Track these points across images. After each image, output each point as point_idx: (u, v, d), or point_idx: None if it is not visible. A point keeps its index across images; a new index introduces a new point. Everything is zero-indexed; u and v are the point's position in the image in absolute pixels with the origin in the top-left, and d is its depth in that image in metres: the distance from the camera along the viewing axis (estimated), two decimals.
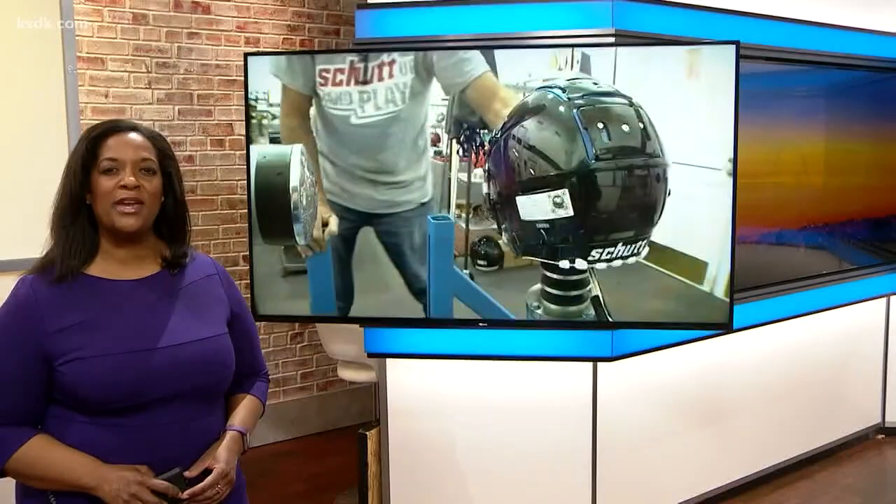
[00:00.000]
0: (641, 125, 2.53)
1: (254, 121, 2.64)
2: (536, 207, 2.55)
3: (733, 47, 2.49)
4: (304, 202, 2.61)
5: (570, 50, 2.57)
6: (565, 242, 2.57)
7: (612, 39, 2.67)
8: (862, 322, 4.01)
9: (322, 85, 2.62)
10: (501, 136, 2.56)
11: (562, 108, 2.51)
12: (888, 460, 3.95)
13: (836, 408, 3.95)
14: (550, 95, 2.54)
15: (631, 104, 2.52)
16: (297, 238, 2.65)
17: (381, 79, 2.60)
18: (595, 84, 2.55)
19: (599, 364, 2.88)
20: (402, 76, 2.59)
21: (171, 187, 1.58)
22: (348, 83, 2.61)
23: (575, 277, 2.62)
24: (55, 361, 1.45)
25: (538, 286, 2.65)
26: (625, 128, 2.51)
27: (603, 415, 2.94)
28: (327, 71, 2.62)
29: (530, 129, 2.52)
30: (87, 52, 3.53)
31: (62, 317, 1.47)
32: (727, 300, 2.59)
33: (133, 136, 1.53)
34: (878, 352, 4.12)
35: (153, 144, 1.55)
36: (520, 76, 2.56)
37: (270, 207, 2.62)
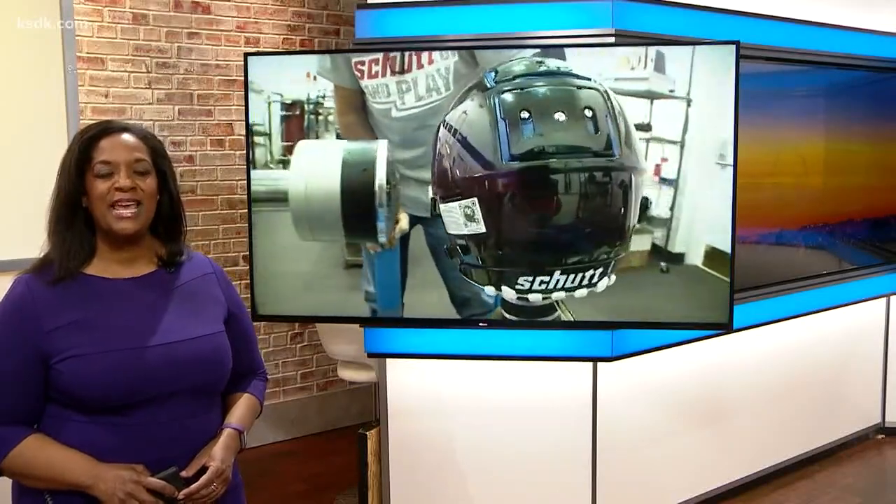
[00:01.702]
0: (591, 112, 2.00)
1: (320, 117, 2.53)
2: (452, 219, 2.14)
3: (733, 47, 2.49)
4: (388, 199, 2.38)
5: (643, 49, 2.36)
6: (488, 265, 2.11)
7: (612, 39, 2.66)
8: (862, 322, 4.01)
9: (360, 78, 2.47)
10: (439, 122, 2.15)
11: (488, 96, 2.15)
12: (888, 460, 3.95)
13: (836, 408, 3.94)
14: (485, 80, 2.17)
15: (589, 88, 2.03)
16: (379, 236, 2.43)
17: (420, 66, 2.40)
18: (539, 62, 2.10)
19: (599, 364, 2.88)
20: (442, 60, 2.38)
21: (165, 186, 1.58)
22: (384, 74, 2.43)
23: (535, 305, 2.15)
24: (51, 360, 1.45)
25: (499, 310, 2.33)
26: (559, 117, 2.00)
27: (603, 415, 2.94)
28: (362, 63, 2.48)
29: (470, 114, 2.10)
30: (87, 52, 3.53)
31: (59, 315, 1.47)
32: (727, 300, 2.58)
33: (126, 137, 1.53)
34: (878, 352, 4.12)
35: (146, 144, 1.55)
36: (588, 75, 2.27)
37: (355, 205, 2.40)
